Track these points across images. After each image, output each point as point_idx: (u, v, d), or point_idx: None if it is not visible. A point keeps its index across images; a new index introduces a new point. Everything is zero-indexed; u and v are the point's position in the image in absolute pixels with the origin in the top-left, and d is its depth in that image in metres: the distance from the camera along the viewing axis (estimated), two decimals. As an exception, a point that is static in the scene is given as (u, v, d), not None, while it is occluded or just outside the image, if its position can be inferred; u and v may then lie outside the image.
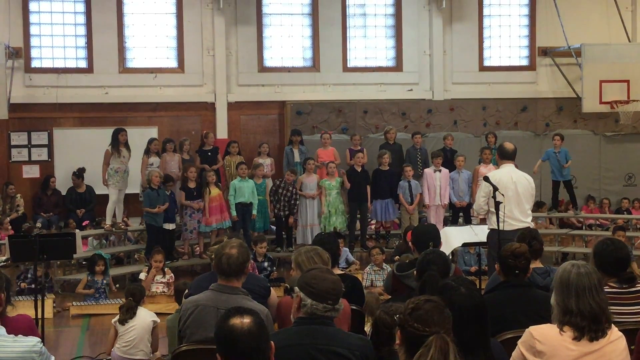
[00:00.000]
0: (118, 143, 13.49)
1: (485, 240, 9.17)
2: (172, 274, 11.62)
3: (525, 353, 4.18)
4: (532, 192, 9.20)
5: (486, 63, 17.94)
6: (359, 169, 14.29)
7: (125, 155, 13.54)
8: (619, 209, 17.19)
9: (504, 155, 9.32)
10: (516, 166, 9.33)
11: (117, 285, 12.01)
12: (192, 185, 13.54)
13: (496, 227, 8.35)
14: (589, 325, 4.11)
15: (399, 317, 3.48)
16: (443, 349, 3.29)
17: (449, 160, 14.73)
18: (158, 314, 8.57)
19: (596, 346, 4.11)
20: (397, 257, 11.09)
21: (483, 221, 9.72)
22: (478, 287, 8.81)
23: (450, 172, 14.42)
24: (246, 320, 3.25)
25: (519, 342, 4.25)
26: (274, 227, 14.51)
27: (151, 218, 13.04)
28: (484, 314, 4.08)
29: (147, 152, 13.92)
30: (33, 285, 11.48)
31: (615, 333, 4.19)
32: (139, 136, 14.54)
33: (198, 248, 13.84)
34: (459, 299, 4.05)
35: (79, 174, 15.23)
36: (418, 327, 3.40)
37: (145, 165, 13.79)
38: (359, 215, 14.45)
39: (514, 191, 8.94)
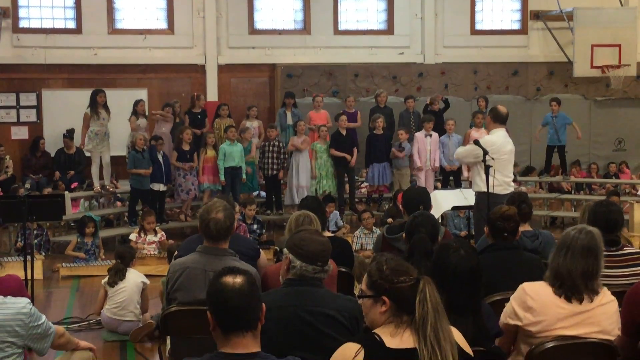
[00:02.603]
0: (96, 105, 13.29)
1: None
2: (163, 233, 11.62)
3: (516, 308, 4.23)
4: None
5: (478, 27, 17.86)
6: (344, 132, 14.24)
7: (105, 117, 13.36)
8: (607, 174, 17.25)
9: (498, 119, 8.96)
10: (507, 131, 9.24)
11: (104, 255, 11.98)
12: (186, 147, 13.49)
13: (483, 190, 8.37)
14: (580, 286, 4.14)
15: (379, 284, 3.45)
16: (433, 286, 3.38)
17: (437, 123, 14.71)
18: (148, 276, 8.59)
19: (587, 307, 4.16)
20: (389, 219, 11.06)
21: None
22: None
23: (440, 136, 14.43)
24: (238, 279, 3.26)
25: (512, 297, 4.31)
26: (263, 193, 14.52)
27: (136, 181, 12.99)
28: (478, 277, 4.12)
29: (135, 113, 13.79)
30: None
31: (607, 296, 4.24)
32: (128, 98, 14.43)
33: (185, 209, 13.81)
34: (457, 260, 4.09)
35: (70, 135, 15.13)
36: (405, 279, 3.42)
37: (134, 123, 13.67)
38: (347, 179, 14.45)
39: (509, 154, 8.88)
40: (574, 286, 4.15)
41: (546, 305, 4.17)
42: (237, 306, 3.22)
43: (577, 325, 4.16)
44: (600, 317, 4.17)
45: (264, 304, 3.34)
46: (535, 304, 4.17)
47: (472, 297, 4.08)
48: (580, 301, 4.15)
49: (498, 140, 8.74)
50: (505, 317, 4.30)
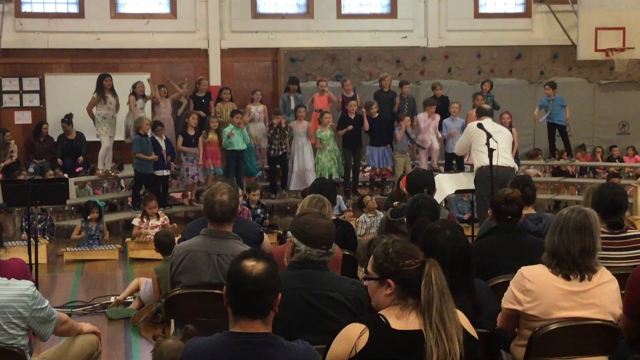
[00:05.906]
0: (103, 89, 13.30)
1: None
2: (166, 216, 11.60)
3: (515, 292, 4.23)
4: (510, 141, 10.00)
5: (481, 10, 17.79)
6: (353, 116, 14.22)
7: (112, 101, 13.37)
8: (610, 157, 17.21)
9: (483, 113, 10.03)
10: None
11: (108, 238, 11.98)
12: (191, 132, 13.46)
13: (483, 165, 8.88)
14: (580, 263, 4.14)
15: (385, 267, 3.45)
16: (439, 269, 3.39)
17: (439, 108, 14.76)
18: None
19: (586, 286, 4.16)
20: (396, 203, 10.99)
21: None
22: (471, 234, 8.93)
23: (442, 119, 14.48)
24: (258, 266, 3.23)
25: (511, 282, 4.31)
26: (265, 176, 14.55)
27: (141, 165, 12.99)
28: (467, 256, 4.12)
29: (134, 94, 13.72)
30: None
31: (606, 275, 4.24)
32: (131, 83, 14.35)
33: (190, 194, 13.80)
34: (443, 241, 4.09)
35: (68, 120, 15.11)
36: (410, 263, 3.42)
37: (133, 104, 13.60)
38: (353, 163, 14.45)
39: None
40: (574, 263, 4.15)
41: (544, 286, 4.16)
42: (249, 293, 3.21)
43: (578, 306, 4.14)
44: (600, 296, 4.17)
45: (280, 294, 3.32)
46: (533, 287, 4.17)
47: (465, 277, 4.07)
48: (580, 279, 4.15)
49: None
50: (505, 302, 4.29)
